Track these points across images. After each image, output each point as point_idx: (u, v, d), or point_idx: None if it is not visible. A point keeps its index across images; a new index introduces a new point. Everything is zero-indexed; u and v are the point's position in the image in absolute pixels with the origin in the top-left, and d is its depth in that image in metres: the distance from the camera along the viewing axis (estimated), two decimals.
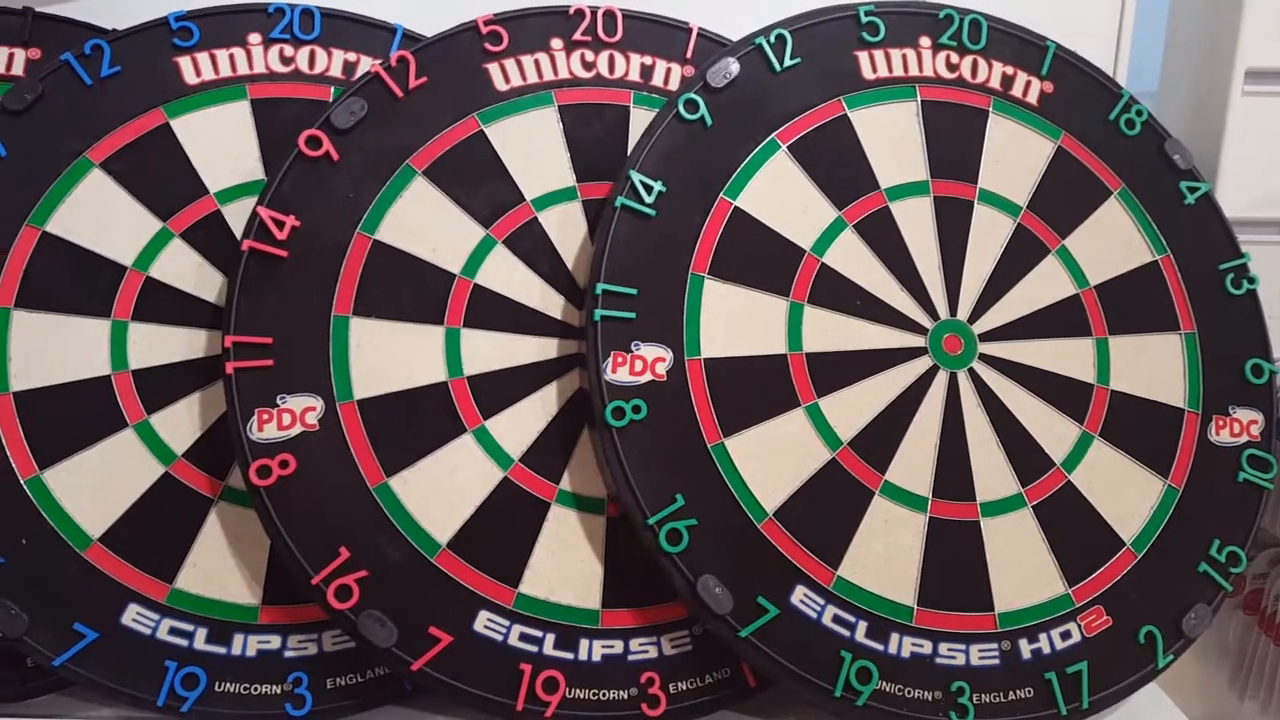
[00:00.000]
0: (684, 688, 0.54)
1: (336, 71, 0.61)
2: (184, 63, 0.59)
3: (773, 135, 0.58)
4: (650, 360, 0.53)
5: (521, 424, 0.56)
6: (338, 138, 0.56)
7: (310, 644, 0.55)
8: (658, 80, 0.61)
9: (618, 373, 0.53)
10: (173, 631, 0.53)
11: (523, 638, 0.53)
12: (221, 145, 0.59)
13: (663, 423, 0.53)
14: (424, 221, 0.57)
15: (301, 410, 0.53)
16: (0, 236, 0.55)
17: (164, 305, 0.57)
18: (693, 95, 0.57)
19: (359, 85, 0.57)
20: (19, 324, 0.55)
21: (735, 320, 0.55)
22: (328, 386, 0.54)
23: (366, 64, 0.62)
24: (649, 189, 0.55)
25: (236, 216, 0.59)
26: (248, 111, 0.60)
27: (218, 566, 0.55)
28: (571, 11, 0.60)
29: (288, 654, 0.55)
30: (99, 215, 0.56)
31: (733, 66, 0.58)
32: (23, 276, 0.55)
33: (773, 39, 0.58)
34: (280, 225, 0.54)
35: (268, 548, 0.56)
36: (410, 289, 0.56)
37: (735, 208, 0.56)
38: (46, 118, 0.57)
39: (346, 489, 0.53)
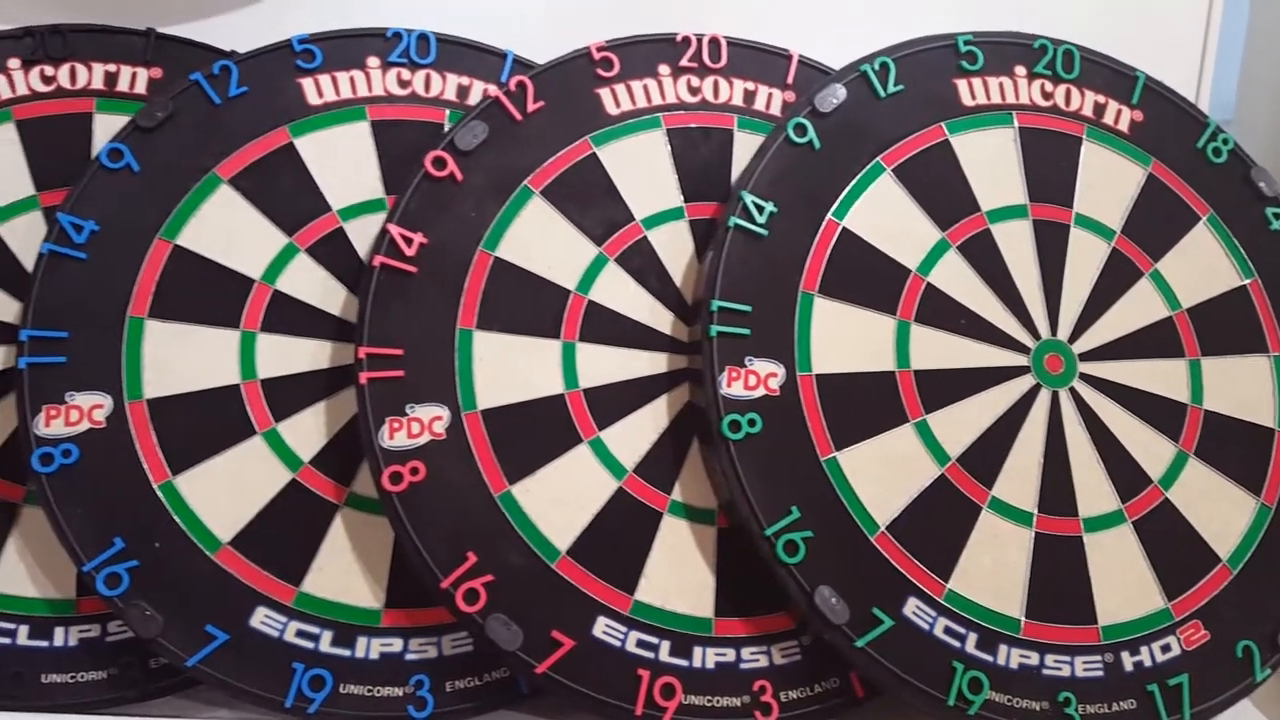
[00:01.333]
0: (795, 696, 0.56)
1: (450, 95, 0.64)
2: (307, 84, 0.62)
3: (878, 159, 0.59)
4: (764, 375, 0.55)
5: (634, 436, 0.58)
6: (461, 159, 0.58)
7: (430, 647, 0.56)
8: (760, 105, 0.63)
9: (733, 387, 0.55)
10: (299, 634, 0.55)
11: (640, 644, 0.55)
12: (343, 164, 0.61)
13: (777, 436, 0.54)
14: (541, 239, 0.59)
15: (429, 419, 0.55)
16: (135, 249, 0.57)
17: (290, 317, 0.59)
18: (802, 119, 0.59)
19: (480, 109, 0.59)
20: (152, 333, 0.57)
21: (844, 337, 0.57)
22: (453, 397, 0.56)
23: (479, 88, 0.64)
24: (760, 209, 0.57)
25: (358, 233, 0.61)
26: (368, 132, 0.62)
27: (342, 570, 0.56)
28: (678, 39, 0.63)
29: (409, 657, 0.56)
30: (227, 230, 0.59)
31: (840, 92, 0.60)
32: (156, 288, 0.57)
33: (877, 66, 0.61)
34: (409, 242, 0.56)
35: (389, 552, 0.57)
36: (529, 304, 0.58)
37: (843, 228, 0.58)
38: (177, 135, 0.59)
39: (472, 496, 0.55)
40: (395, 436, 0.54)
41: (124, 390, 0.55)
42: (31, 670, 0.56)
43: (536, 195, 0.59)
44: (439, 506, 0.54)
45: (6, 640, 0.56)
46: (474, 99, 0.64)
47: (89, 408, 0.55)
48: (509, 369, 0.57)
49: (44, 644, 0.56)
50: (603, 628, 0.54)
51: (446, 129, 0.63)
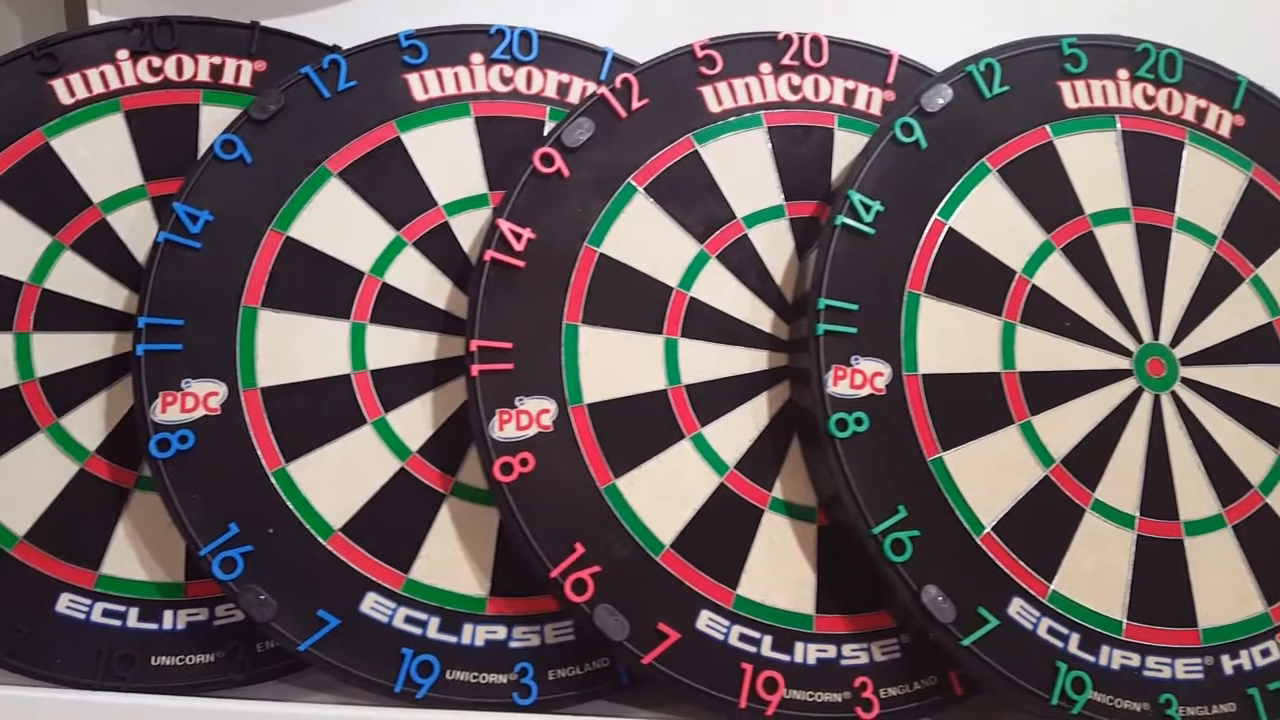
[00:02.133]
0: (895, 693, 0.56)
1: (551, 92, 0.64)
2: (413, 79, 0.62)
3: (983, 159, 0.60)
4: (870, 374, 0.55)
5: (735, 432, 0.58)
6: (568, 155, 0.59)
7: (533, 635, 0.57)
8: (860, 104, 0.63)
9: (839, 386, 0.55)
10: (408, 620, 0.56)
11: (742, 638, 0.55)
12: (448, 159, 0.62)
13: (883, 436, 0.55)
14: (644, 236, 0.59)
15: (537, 412, 0.56)
16: (248, 239, 0.58)
17: (398, 309, 0.59)
18: (908, 119, 0.59)
19: (586, 106, 0.60)
20: (265, 323, 0.58)
21: (950, 338, 0.57)
22: (560, 390, 0.56)
23: (578, 85, 0.65)
24: (867, 208, 0.57)
25: (462, 228, 0.61)
26: (472, 128, 0.62)
27: (448, 558, 0.57)
28: (780, 38, 0.63)
29: (513, 644, 0.57)
30: (337, 222, 0.60)
31: (946, 92, 0.60)
32: (269, 278, 0.58)
33: (982, 67, 0.61)
34: (518, 237, 0.57)
35: (493, 541, 0.58)
36: (632, 299, 0.58)
37: (949, 228, 0.58)
38: (288, 127, 0.60)
39: (579, 488, 0.55)
40: (505, 428, 0.55)
41: (238, 378, 0.56)
42: (141, 652, 0.57)
43: (640, 192, 0.59)
44: (547, 497, 0.55)
45: (117, 622, 0.57)
46: (573, 96, 0.64)
47: (204, 395, 0.56)
48: (613, 364, 0.57)
49: (153, 626, 0.57)
50: (706, 621, 0.55)
51: (547, 125, 0.63)
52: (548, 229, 0.58)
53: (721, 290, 0.60)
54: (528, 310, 0.57)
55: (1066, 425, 0.57)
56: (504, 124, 0.63)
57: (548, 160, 0.58)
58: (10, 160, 0.60)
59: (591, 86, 0.64)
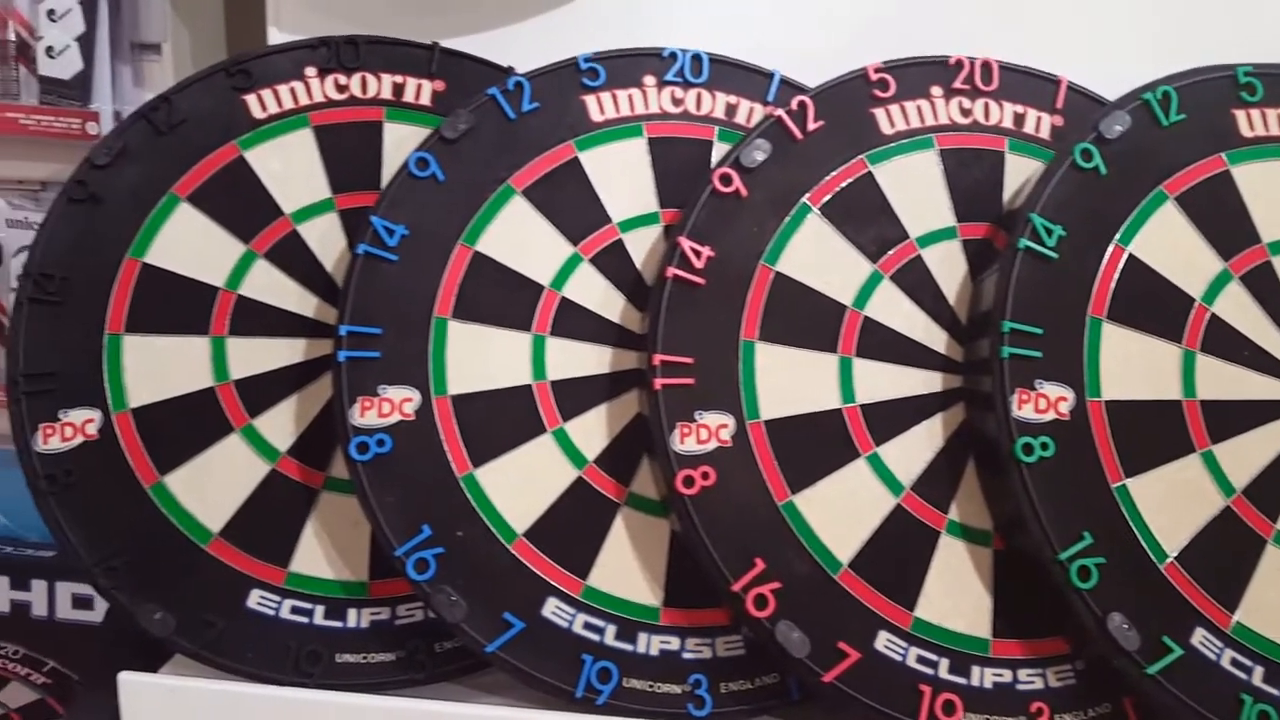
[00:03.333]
0: (1070, 719, 0.56)
1: (720, 113, 0.66)
2: (590, 101, 0.64)
3: (1160, 186, 0.59)
4: (1054, 399, 0.56)
5: (911, 453, 0.59)
6: (745, 175, 0.60)
7: (705, 648, 0.58)
8: (1029, 128, 0.64)
9: (1023, 409, 0.55)
10: (587, 626, 0.57)
11: (920, 660, 0.56)
12: (622, 178, 0.63)
13: (1068, 461, 0.55)
14: (818, 255, 0.60)
15: (716, 426, 0.57)
16: (440, 252, 0.60)
17: (576, 323, 0.61)
18: (1088, 145, 0.59)
19: (763, 127, 0.61)
20: (455, 333, 0.60)
21: (1132, 364, 0.57)
22: (738, 405, 0.57)
23: (745, 107, 0.66)
24: (1050, 232, 0.57)
25: (635, 244, 0.63)
26: (644, 148, 0.64)
27: (623, 567, 0.58)
28: (951, 61, 0.64)
29: (686, 655, 0.58)
30: (520, 237, 0.61)
31: (1124, 119, 0.60)
32: (458, 291, 0.60)
33: (1159, 95, 0.61)
34: (698, 255, 0.58)
35: (666, 552, 0.59)
36: (807, 317, 0.59)
37: (1129, 254, 0.58)
38: (476, 146, 0.62)
39: (757, 503, 0.56)
40: (685, 441, 0.56)
41: (430, 385, 0.58)
42: (327, 649, 0.59)
43: (814, 211, 0.60)
44: (728, 511, 0.56)
45: (304, 619, 0.59)
46: (741, 117, 0.66)
47: (399, 400, 0.58)
48: (789, 381, 0.58)
49: (338, 624, 0.60)
50: (884, 642, 0.55)
51: (715, 146, 0.65)
52: (726, 247, 0.59)
53: (895, 310, 0.60)
54: (707, 326, 0.58)
55: (1247, 455, 0.57)
56: (675, 144, 0.65)
57: (726, 180, 0.60)
58: (207, 171, 0.63)
59: (759, 108, 0.66)
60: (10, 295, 0.77)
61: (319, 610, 0.60)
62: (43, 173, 0.79)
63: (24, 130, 0.74)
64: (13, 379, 0.60)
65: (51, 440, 0.59)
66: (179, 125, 0.64)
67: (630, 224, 0.63)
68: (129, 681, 0.57)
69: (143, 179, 0.63)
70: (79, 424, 0.60)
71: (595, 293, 0.62)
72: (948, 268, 0.61)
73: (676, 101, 0.65)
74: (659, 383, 0.57)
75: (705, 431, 0.57)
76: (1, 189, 0.79)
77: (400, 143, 0.65)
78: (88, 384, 0.60)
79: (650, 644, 0.58)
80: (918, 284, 0.61)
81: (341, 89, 0.66)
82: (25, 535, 0.85)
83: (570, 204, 0.63)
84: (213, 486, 0.60)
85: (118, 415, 0.60)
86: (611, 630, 0.57)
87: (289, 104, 0.65)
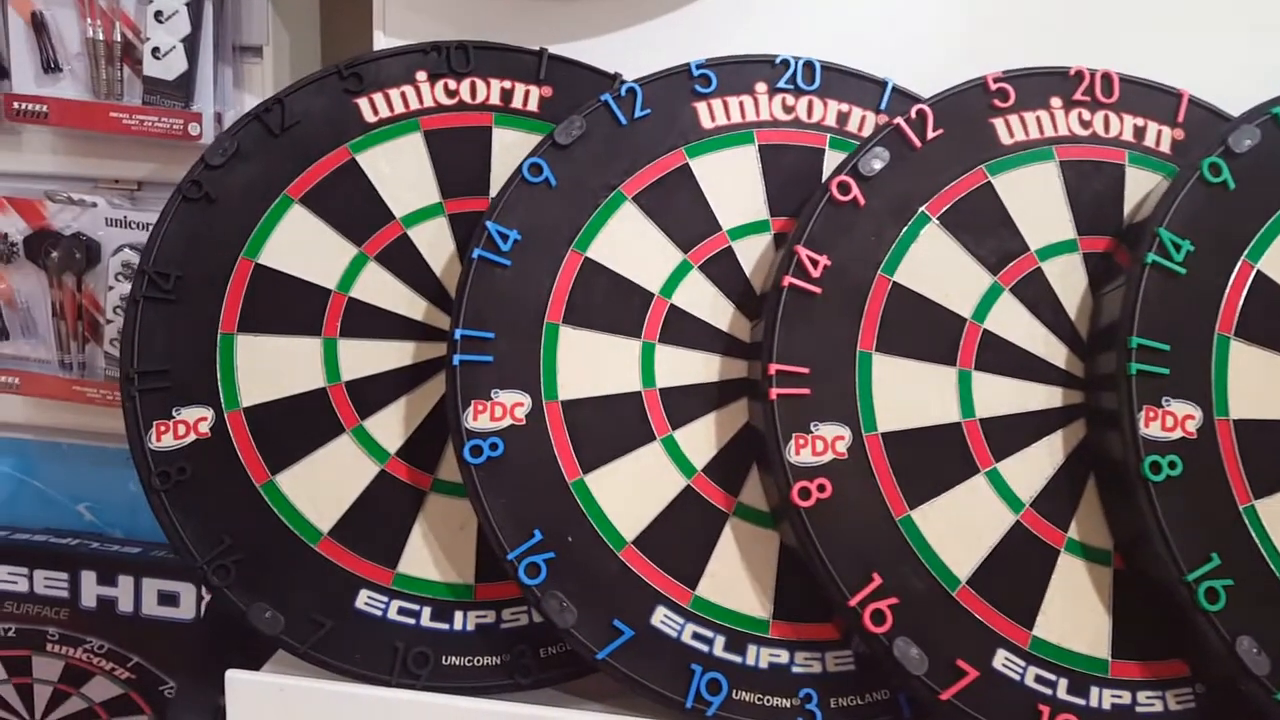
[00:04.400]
0: None
1: (831, 121, 0.65)
2: (701, 108, 0.64)
3: None
4: (1181, 417, 0.54)
5: (1031, 470, 0.57)
6: (863, 183, 0.59)
7: (815, 662, 0.57)
8: (1149, 141, 0.62)
9: (1150, 427, 0.54)
10: (695, 636, 0.57)
11: (1038, 680, 0.54)
12: (732, 185, 0.63)
13: (1196, 481, 0.53)
14: (937, 266, 0.59)
15: (832, 438, 0.56)
16: (551, 258, 0.60)
17: (685, 330, 0.61)
18: (1216, 159, 0.58)
19: (881, 135, 0.60)
20: (565, 339, 0.59)
21: (1260, 383, 0.55)
22: (854, 417, 0.57)
23: (857, 115, 0.65)
24: (1178, 247, 0.56)
25: (745, 252, 0.62)
26: (755, 155, 0.64)
27: (732, 578, 0.58)
28: (1071, 72, 0.62)
29: (795, 669, 0.57)
30: (630, 244, 0.61)
31: (1253, 133, 0.58)
32: (569, 296, 0.60)
33: None
34: (814, 264, 0.58)
35: (775, 564, 0.58)
36: (925, 330, 0.58)
37: (1257, 271, 0.57)
38: (588, 152, 0.62)
39: (874, 517, 0.55)
40: (801, 453, 0.56)
41: (541, 390, 0.58)
42: (434, 651, 0.59)
43: (933, 221, 0.60)
44: (844, 525, 0.55)
45: (411, 621, 0.59)
46: (853, 126, 0.65)
47: (511, 405, 0.58)
48: (906, 393, 0.57)
49: (444, 626, 0.59)
50: (1003, 660, 0.54)
51: (827, 154, 0.64)
52: (843, 256, 0.58)
53: (1015, 323, 0.59)
54: (823, 336, 0.57)
55: None
56: (785, 151, 0.64)
57: (844, 188, 0.59)
58: (320, 173, 0.64)
59: (871, 116, 0.65)
60: (108, 293, 0.79)
61: (426, 612, 0.60)
62: (140, 172, 0.80)
63: (126, 130, 0.75)
64: (126, 376, 0.61)
65: (165, 438, 0.60)
66: (291, 127, 0.64)
67: (740, 231, 0.63)
68: (236, 679, 0.57)
69: (256, 180, 0.63)
70: (192, 422, 0.60)
71: (704, 300, 0.61)
72: (1068, 281, 0.60)
73: (788, 109, 0.65)
74: (774, 392, 0.56)
75: (821, 443, 0.56)
76: (100, 188, 0.80)
77: (508, 148, 0.65)
78: (200, 382, 0.61)
79: (760, 656, 0.57)
80: (1038, 297, 0.60)
81: (451, 94, 0.66)
82: (111, 531, 0.87)
83: (680, 211, 0.62)
84: (322, 486, 0.60)
85: (230, 414, 0.61)
86: (720, 641, 0.57)
87: (400, 108, 0.66)
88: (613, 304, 0.60)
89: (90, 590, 0.82)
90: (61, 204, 0.78)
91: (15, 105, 0.75)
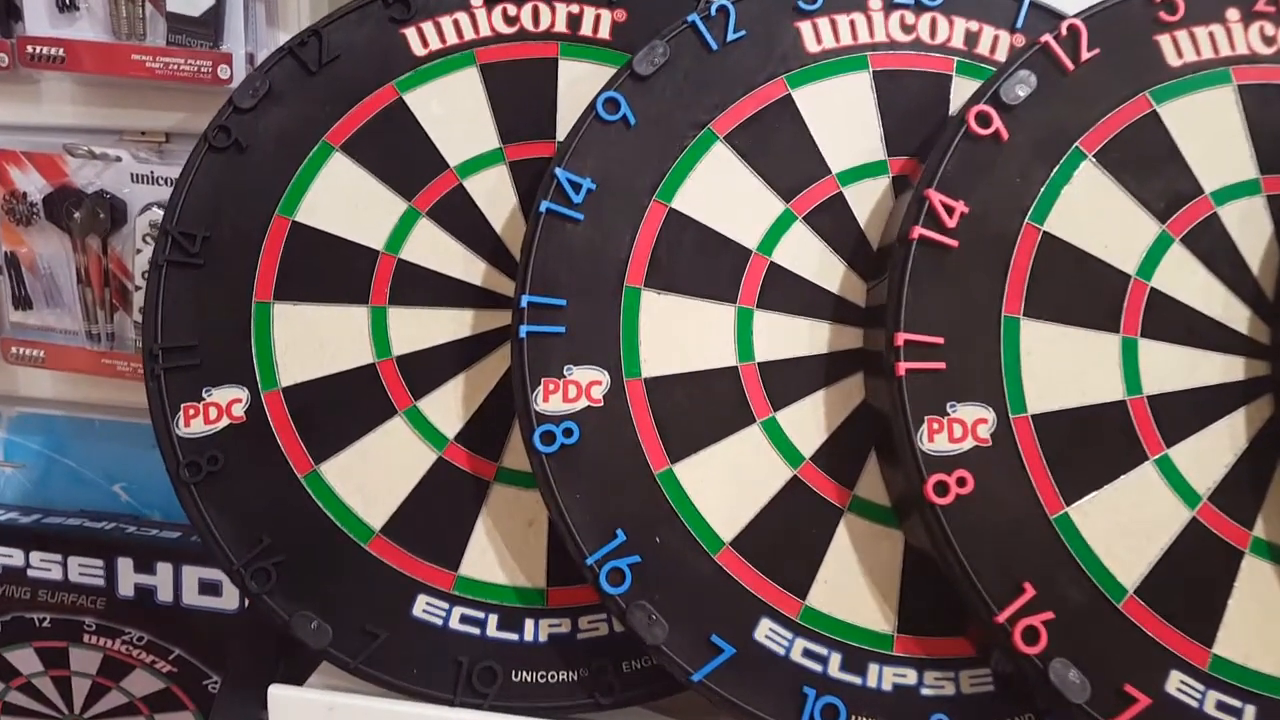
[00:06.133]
0: None
1: (958, 42, 0.55)
2: (805, 28, 0.54)
3: None
4: None
5: (1208, 456, 0.48)
6: (1006, 114, 0.50)
7: (947, 683, 0.49)
8: None
9: None
10: (806, 654, 0.48)
11: (1219, 706, 0.45)
12: (842, 120, 0.54)
13: None
14: (1094, 212, 0.49)
15: (973, 422, 0.47)
16: (631, 210, 0.51)
17: (787, 292, 0.52)
18: None
19: (1025, 56, 0.50)
20: (648, 305, 0.51)
21: None
22: (999, 396, 0.47)
23: (989, 35, 0.55)
24: None
25: (858, 199, 0.53)
26: (869, 84, 0.54)
27: (849, 585, 0.49)
28: None
29: (924, 691, 0.49)
30: (723, 192, 0.52)
31: None
32: (652, 255, 0.51)
33: None
34: (950, 211, 0.48)
35: (899, 568, 0.50)
36: (1082, 289, 0.49)
37: None
38: (672, 84, 0.53)
39: (1025, 516, 0.46)
40: (935, 439, 0.47)
41: (622, 366, 0.50)
42: (502, 666, 0.51)
43: (1089, 159, 0.50)
44: (989, 526, 0.46)
45: (475, 630, 0.52)
46: (983, 48, 0.55)
47: (587, 383, 0.50)
48: (1061, 366, 0.48)
49: (513, 637, 0.52)
50: (1177, 684, 0.46)
51: (954, 81, 0.54)
52: (983, 202, 0.49)
53: (1188, 280, 0.49)
54: (960, 299, 0.48)
55: None
56: (904, 78, 0.54)
57: (984, 120, 0.49)
58: (363, 116, 0.56)
59: (1005, 36, 0.55)
60: (136, 257, 0.72)
61: (492, 620, 0.52)
62: (168, 123, 0.72)
63: (150, 74, 0.68)
64: (150, 352, 0.53)
65: (194, 422, 0.53)
66: (331, 63, 0.56)
67: (852, 175, 0.53)
68: (280, 696, 0.51)
69: (291, 124, 0.55)
70: (224, 404, 0.53)
71: (811, 258, 0.52)
72: (1251, 230, 0.50)
73: (907, 28, 0.55)
74: (903, 367, 0.47)
75: (960, 427, 0.47)
76: (125, 140, 0.73)
77: (575, 83, 0.56)
78: (234, 359, 0.53)
79: (883, 677, 0.49)
80: (1214, 249, 0.50)
81: (511, 21, 0.57)
82: (148, 513, 0.81)
83: (782, 152, 0.53)
84: (373, 477, 0.53)
85: (267, 394, 0.53)
86: (836, 659, 0.48)
87: (453, 39, 0.57)
88: (703, 263, 0.51)
89: (128, 579, 0.76)
90: (83, 158, 0.71)
91: (29, 49, 0.68)
